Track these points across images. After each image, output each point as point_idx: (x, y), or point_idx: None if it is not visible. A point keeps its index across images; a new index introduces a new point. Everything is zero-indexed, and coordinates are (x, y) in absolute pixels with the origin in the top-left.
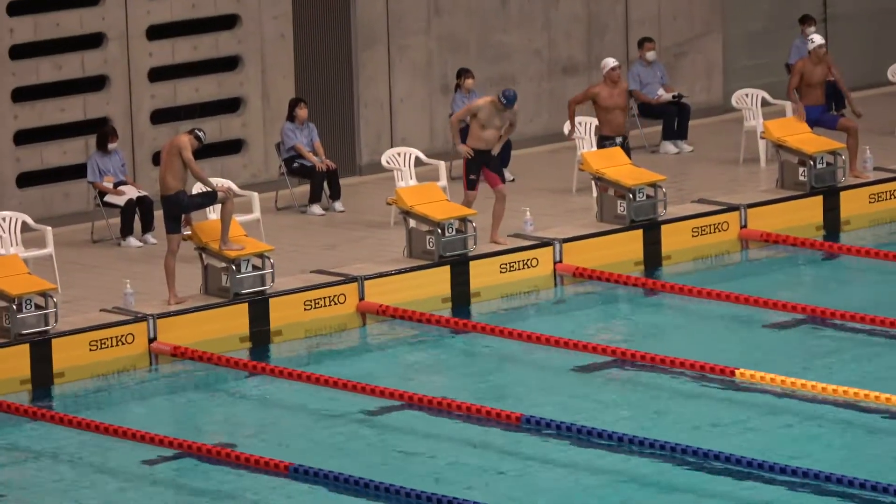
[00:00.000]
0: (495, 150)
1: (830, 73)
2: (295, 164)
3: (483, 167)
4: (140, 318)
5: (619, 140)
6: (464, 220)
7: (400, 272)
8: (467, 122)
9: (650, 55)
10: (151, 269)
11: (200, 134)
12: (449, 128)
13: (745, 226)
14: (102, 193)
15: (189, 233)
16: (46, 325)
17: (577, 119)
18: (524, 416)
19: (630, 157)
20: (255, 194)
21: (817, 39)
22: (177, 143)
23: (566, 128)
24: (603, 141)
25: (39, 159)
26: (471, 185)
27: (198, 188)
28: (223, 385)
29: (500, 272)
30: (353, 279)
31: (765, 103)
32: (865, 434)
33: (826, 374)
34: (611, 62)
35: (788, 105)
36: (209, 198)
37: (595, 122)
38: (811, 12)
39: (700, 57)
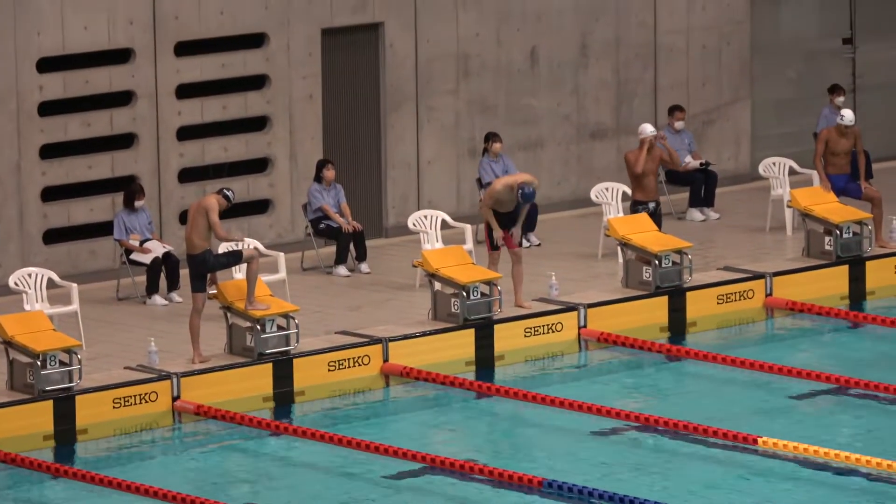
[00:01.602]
0: (517, 226)
1: (856, 145)
2: (321, 225)
3: (505, 228)
4: (164, 377)
5: (651, 206)
6: (489, 283)
7: (424, 334)
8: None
9: (679, 124)
10: (176, 328)
11: (229, 194)
12: (480, 201)
13: (770, 294)
14: (128, 251)
15: (214, 292)
16: (70, 381)
17: (605, 185)
18: (546, 481)
19: (661, 223)
20: (282, 254)
21: (848, 116)
22: (204, 203)
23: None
24: (636, 206)
25: (66, 216)
26: (494, 246)
27: (224, 248)
28: (245, 444)
29: (525, 336)
30: (377, 341)
31: (792, 172)
32: (890, 503)
33: (850, 444)
34: (649, 129)
35: (815, 174)
36: (235, 257)
37: (622, 187)
38: (840, 81)
39: (728, 124)
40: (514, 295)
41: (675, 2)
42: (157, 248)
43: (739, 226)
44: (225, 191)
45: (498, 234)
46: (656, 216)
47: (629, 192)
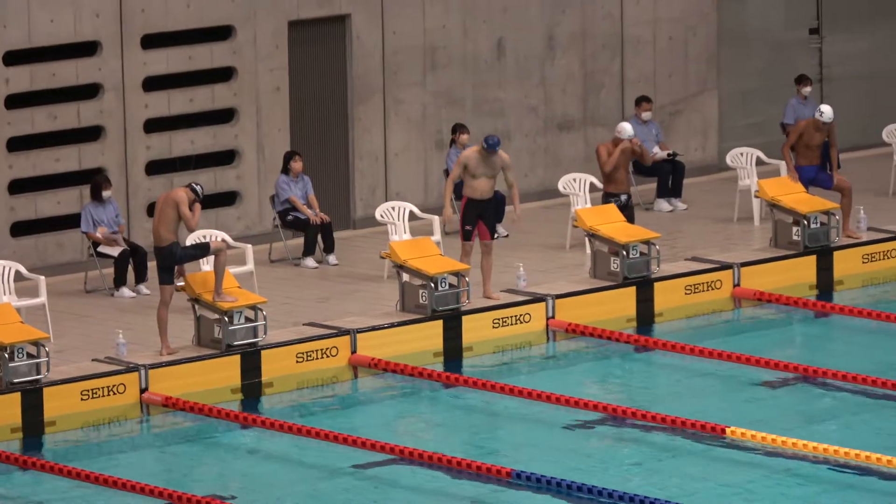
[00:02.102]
0: (515, 207)
1: (829, 137)
2: (289, 217)
3: (479, 218)
4: (132, 369)
5: (623, 198)
6: (457, 274)
7: (392, 326)
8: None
9: (646, 115)
10: (144, 320)
11: (198, 188)
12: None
13: (738, 284)
14: (96, 243)
15: (182, 284)
16: (38, 374)
17: (572, 175)
18: (514, 472)
19: (634, 214)
20: (249, 246)
21: (827, 114)
22: (173, 196)
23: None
24: (608, 198)
25: (33, 209)
26: (466, 236)
27: (191, 240)
28: (214, 436)
29: (493, 327)
30: (345, 332)
31: (759, 162)
32: (856, 493)
33: (817, 434)
34: (627, 132)
35: (783, 164)
36: (202, 249)
37: (590, 178)
38: (807, 72)
39: (695, 115)
40: (482, 286)
41: None
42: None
43: (707, 216)
44: (193, 185)
45: (446, 213)
46: (628, 208)
47: (597, 183)
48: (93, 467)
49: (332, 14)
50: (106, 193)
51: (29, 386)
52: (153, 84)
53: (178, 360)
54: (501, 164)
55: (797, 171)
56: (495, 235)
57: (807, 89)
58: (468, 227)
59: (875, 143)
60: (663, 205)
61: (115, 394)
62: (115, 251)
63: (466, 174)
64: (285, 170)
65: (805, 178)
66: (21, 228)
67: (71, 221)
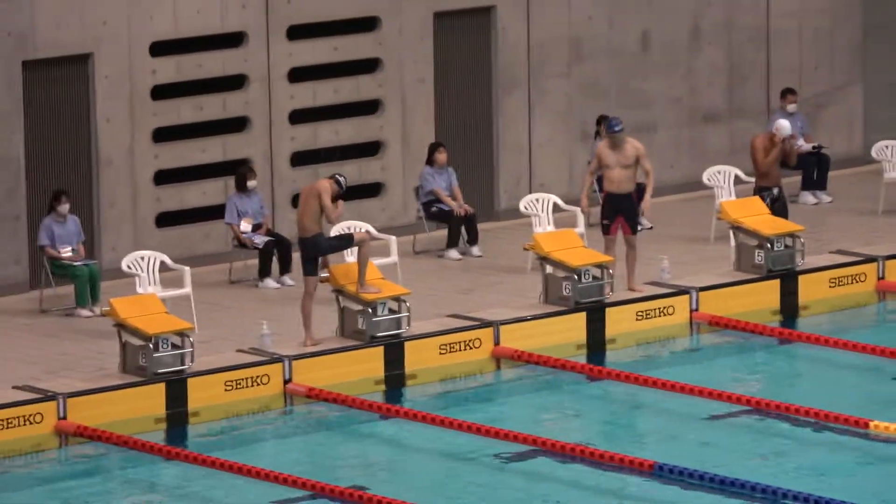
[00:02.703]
0: (645, 202)
1: None
2: (433, 209)
3: (618, 213)
4: (276, 360)
5: (776, 191)
6: (600, 266)
7: (536, 318)
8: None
9: (791, 107)
10: (288, 311)
11: (342, 180)
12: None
13: (882, 277)
14: (237, 238)
15: (326, 275)
16: (182, 364)
17: (717, 168)
18: (657, 464)
19: (787, 207)
20: (393, 238)
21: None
22: (317, 187)
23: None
24: (761, 192)
25: (179, 199)
26: (604, 230)
27: (336, 231)
28: (357, 427)
29: (637, 319)
30: (488, 324)
31: None
32: None
33: None
34: (787, 130)
35: None
36: (346, 240)
37: (735, 171)
38: None
39: (841, 108)
40: (626, 278)
41: None
42: (259, 239)
43: (852, 209)
44: (338, 176)
45: (583, 204)
46: (780, 201)
47: (741, 175)
48: (236, 458)
49: (477, 5)
50: (251, 184)
51: (173, 376)
52: (298, 75)
53: (322, 351)
54: (636, 154)
55: None
56: (640, 227)
57: None
58: (605, 222)
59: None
60: (808, 197)
61: (258, 385)
62: (260, 241)
63: (603, 168)
64: (430, 161)
65: None
66: (167, 219)
67: (216, 212)
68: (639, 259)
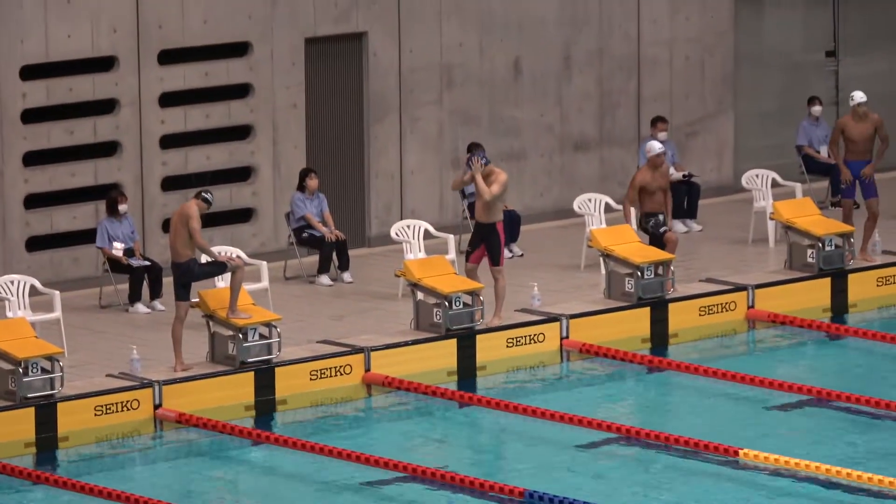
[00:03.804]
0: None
1: (878, 132)
2: (304, 234)
3: (482, 242)
4: (146, 385)
5: (661, 217)
6: (471, 293)
7: (406, 344)
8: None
9: (661, 135)
10: (158, 336)
11: (208, 196)
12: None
13: (752, 306)
14: (111, 259)
15: (197, 300)
16: (52, 388)
17: (588, 195)
18: (527, 492)
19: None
20: (264, 263)
21: (858, 95)
22: (186, 211)
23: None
24: (648, 218)
25: (49, 223)
26: (466, 256)
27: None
28: (227, 453)
29: (507, 346)
30: (359, 350)
31: (775, 184)
32: None
33: (829, 456)
34: (656, 147)
35: (798, 186)
36: (220, 267)
37: (605, 198)
38: (823, 94)
39: (711, 136)
40: (494, 309)
41: (659, 13)
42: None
43: (722, 237)
44: (204, 194)
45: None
46: (665, 224)
47: (612, 203)
48: (106, 483)
49: (348, 31)
50: (122, 208)
51: (43, 401)
52: (169, 100)
53: (193, 376)
54: (493, 179)
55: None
56: (510, 254)
57: (816, 108)
58: (468, 248)
59: (891, 167)
60: (678, 226)
61: (128, 409)
62: (134, 262)
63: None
64: (301, 187)
65: (853, 172)
66: (36, 243)
67: (86, 237)
68: (509, 286)
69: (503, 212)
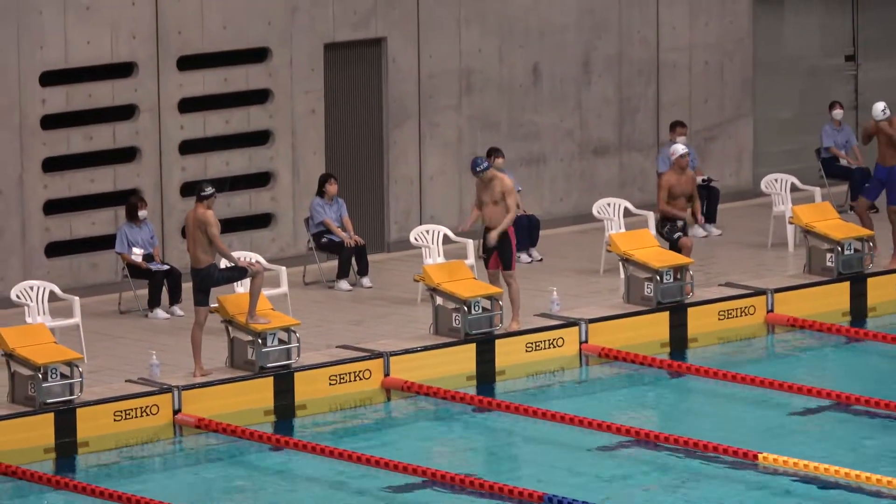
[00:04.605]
0: (492, 236)
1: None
2: (323, 240)
3: (494, 249)
4: (165, 390)
5: (680, 223)
6: (490, 298)
7: (425, 349)
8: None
9: (681, 140)
10: (178, 341)
11: (208, 191)
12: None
13: (771, 310)
14: (130, 265)
15: (216, 305)
16: (72, 394)
17: (607, 200)
18: (546, 496)
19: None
20: (283, 268)
21: (877, 110)
22: (202, 218)
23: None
24: (664, 222)
25: (68, 229)
26: (484, 263)
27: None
28: (246, 458)
29: (526, 351)
30: (378, 355)
31: (794, 188)
32: None
33: (851, 460)
34: (680, 149)
35: (817, 191)
36: (240, 272)
37: (625, 203)
38: (842, 99)
39: (730, 141)
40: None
41: (678, 18)
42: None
43: (741, 242)
44: (202, 192)
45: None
46: (679, 231)
47: (631, 207)
48: (125, 488)
49: (368, 37)
50: (142, 214)
51: (62, 406)
52: (189, 105)
53: (212, 381)
54: (502, 190)
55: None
56: (529, 259)
57: (837, 112)
58: (483, 256)
59: None
60: (697, 230)
61: (148, 415)
62: (153, 266)
63: (481, 202)
64: (320, 192)
65: (878, 177)
66: (56, 249)
67: (105, 242)
68: (528, 290)
69: (521, 216)
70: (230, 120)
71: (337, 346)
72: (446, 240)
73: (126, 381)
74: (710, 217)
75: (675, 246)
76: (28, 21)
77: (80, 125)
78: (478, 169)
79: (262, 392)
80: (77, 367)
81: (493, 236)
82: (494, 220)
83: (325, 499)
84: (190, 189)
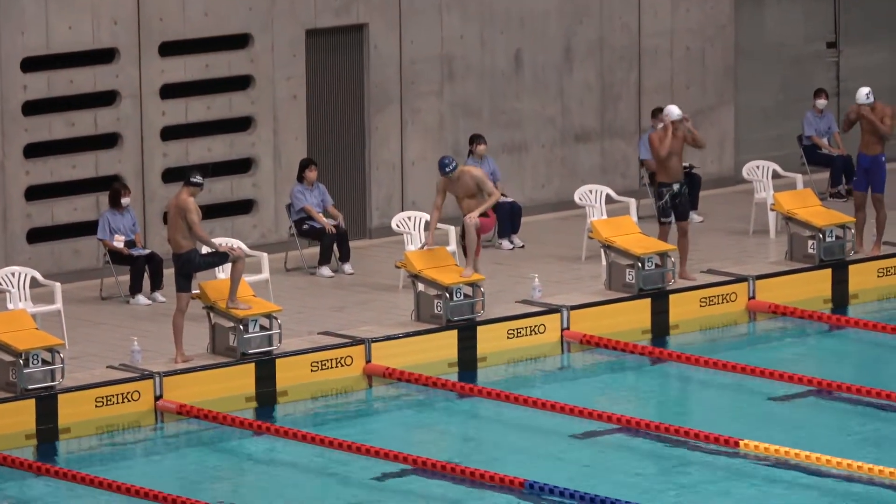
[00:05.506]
0: (472, 213)
1: (884, 122)
2: (305, 226)
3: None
4: (147, 376)
5: (675, 187)
6: (472, 285)
7: (407, 335)
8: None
9: (662, 126)
10: (159, 327)
11: (197, 179)
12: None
13: (753, 297)
14: (112, 251)
15: (198, 292)
16: (53, 380)
17: (588, 187)
18: (528, 482)
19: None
20: (265, 255)
21: (861, 94)
22: (182, 204)
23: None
24: (661, 188)
25: (50, 215)
26: (464, 251)
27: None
28: (228, 444)
29: (508, 337)
30: (360, 341)
31: (776, 175)
32: None
33: (830, 447)
34: (675, 112)
35: (799, 178)
36: (221, 257)
37: (606, 190)
38: (824, 85)
39: (712, 127)
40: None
41: (659, 4)
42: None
43: (723, 229)
44: (192, 178)
45: (429, 239)
46: (681, 195)
47: (613, 194)
48: (106, 474)
49: (349, 23)
50: (125, 201)
51: (43, 392)
52: (170, 92)
53: (193, 367)
54: (475, 182)
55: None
56: (511, 246)
57: (821, 101)
58: (464, 245)
59: (893, 158)
60: (693, 217)
61: (129, 401)
62: (135, 251)
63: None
64: (300, 178)
65: (861, 165)
66: (37, 235)
67: (87, 228)
68: (509, 277)
69: (504, 202)
70: (212, 106)
71: (318, 333)
72: (428, 226)
73: (107, 367)
74: (693, 204)
75: (662, 212)
76: (9, 7)
77: (61, 111)
78: (447, 170)
79: (243, 378)
80: (58, 353)
81: (474, 216)
82: (474, 210)
83: (307, 485)
84: (172, 175)
